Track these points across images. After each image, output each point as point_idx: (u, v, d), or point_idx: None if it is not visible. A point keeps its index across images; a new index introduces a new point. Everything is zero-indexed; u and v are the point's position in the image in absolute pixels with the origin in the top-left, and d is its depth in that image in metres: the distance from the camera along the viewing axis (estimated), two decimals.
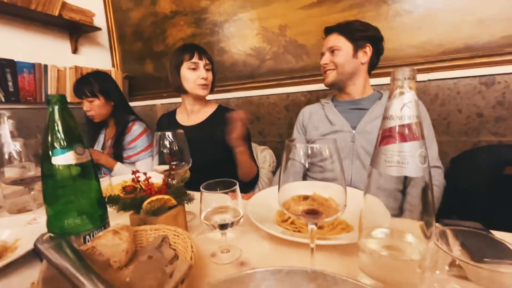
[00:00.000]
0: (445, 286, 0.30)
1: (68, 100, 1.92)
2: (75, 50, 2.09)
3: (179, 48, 1.20)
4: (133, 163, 1.43)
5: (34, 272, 0.49)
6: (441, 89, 1.34)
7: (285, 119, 1.75)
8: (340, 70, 1.05)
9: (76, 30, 2.04)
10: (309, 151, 0.39)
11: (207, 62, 1.17)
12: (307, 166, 0.39)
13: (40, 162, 0.77)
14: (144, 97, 2.30)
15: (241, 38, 1.83)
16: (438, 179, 0.95)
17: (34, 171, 0.72)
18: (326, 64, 1.07)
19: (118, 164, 1.37)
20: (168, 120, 1.34)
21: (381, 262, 0.37)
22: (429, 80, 1.35)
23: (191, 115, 1.28)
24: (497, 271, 0.24)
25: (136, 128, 1.45)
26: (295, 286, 0.32)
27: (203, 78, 1.14)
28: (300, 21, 1.64)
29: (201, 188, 0.50)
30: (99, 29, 2.12)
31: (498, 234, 0.52)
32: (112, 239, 0.43)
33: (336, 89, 1.15)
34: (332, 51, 1.05)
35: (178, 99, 2.09)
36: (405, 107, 0.33)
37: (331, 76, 1.07)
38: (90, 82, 1.40)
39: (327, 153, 0.39)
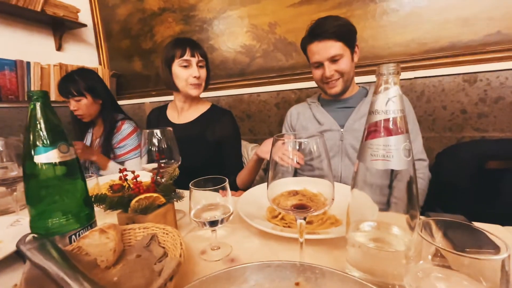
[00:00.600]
0: (428, 275, 0.31)
1: (53, 98, 1.87)
2: (59, 47, 2.03)
3: (170, 42, 1.13)
4: (121, 162, 1.40)
5: (17, 275, 0.47)
6: (426, 86, 1.38)
7: (276, 117, 1.76)
8: (346, 77, 1.00)
9: (60, 27, 1.97)
10: (297, 148, 0.40)
11: (200, 58, 1.10)
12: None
13: (22, 162, 0.75)
14: (132, 95, 2.26)
15: (230, 35, 1.82)
16: (423, 172, 0.97)
17: (16, 171, 0.69)
18: (332, 75, 0.99)
19: (112, 162, 1.34)
20: (158, 116, 1.29)
21: (368, 254, 0.38)
22: (415, 77, 1.39)
23: (182, 113, 1.23)
24: (477, 258, 0.25)
25: (126, 127, 1.42)
26: (284, 279, 0.32)
27: (195, 77, 1.08)
28: (289, 19, 1.64)
29: (190, 186, 0.49)
30: (85, 25, 2.07)
31: (480, 226, 0.54)
32: (99, 238, 0.42)
33: (337, 97, 1.08)
34: (333, 60, 0.98)
35: (168, 97, 2.07)
36: (390, 102, 0.33)
37: (339, 85, 1.01)
38: (76, 80, 1.35)
39: (315, 149, 0.39)
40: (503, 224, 0.54)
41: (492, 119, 1.28)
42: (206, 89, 1.20)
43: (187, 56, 1.07)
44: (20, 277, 0.35)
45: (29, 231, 0.57)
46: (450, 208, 1.01)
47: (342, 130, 1.04)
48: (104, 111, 1.43)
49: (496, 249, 0.29)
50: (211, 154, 1.18)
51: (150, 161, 0.67)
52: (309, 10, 1.58)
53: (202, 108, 1.24)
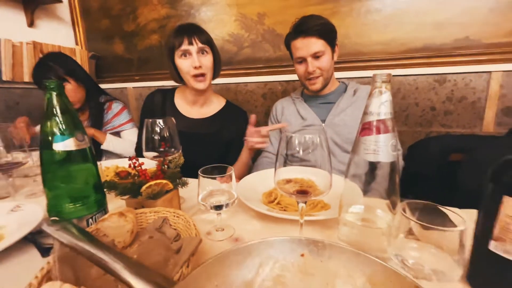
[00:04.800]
0: (406, 245, 0.39)
1: (26, 79, 1.75)
2: (31, 23, 1.88)
3: (171, 31, 1.05)
4: (116, 133, 1.44)
5: (26, 257, 0.49)
6: (402, 84, 1.50)
7: (262, 107, 1.80)
8: (326, 75, 1.06)
9: (32, 0, 1.82)
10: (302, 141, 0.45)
11: (201, 45, 1.00)
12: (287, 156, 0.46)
13: (10, 148, 0.73)
14: (113, 79, 2.17)
15: (218, 23, 1.81)
16: None
17: (10, 157, 0.69)
18: (314, 71, 1.04)
19: (108, 134, 1.37)
20: (163, 102, 1.18)
21: (357, 231, 0.46)
22: (393, 75, 1.50)
23: (195, 106, 1.17)
24: (444, 230, 0.33)
25: (116, 106, 1.46)
26: (291, 252, 0.38)
27: (195, 67, 1.00)
28: (278, 10, 1.67)
29: (199, 173, 0.54)
30: (60, 1, 1.92)
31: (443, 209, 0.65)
32: (118, 221, 0.46)
33: (318, 92, 1.14)
34: (315, 56, 1.03)
35: (153, 83, 2.03)
36: (382, 105, 0.40)
37: (320, 82, 1.07)
38: (51, 67, 1.25)
39: (318, 142, 0.44)
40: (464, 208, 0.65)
41: (456, 117, 1.43)
42: (216, 77, 1.13)
43: (184, 46, 0.99)
44: (52, 256, 0.38)
45: (31, 216, 0.59)
46: (419, 195, 1.14)
47: (323, 124, 1.11)
48: (90, 96, 1.39)
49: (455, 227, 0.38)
50: (223, 152, 1.15)
51: (150, 149, 0.70)
52: (298, 3, 1.62)
53: (217, 104, 1.19)
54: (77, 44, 2.18)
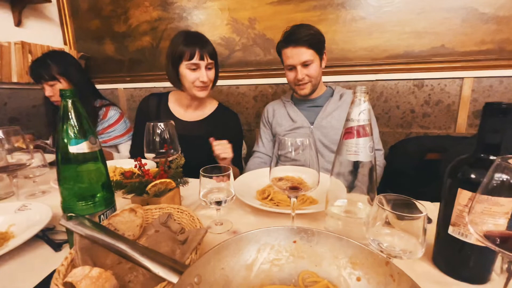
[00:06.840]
0: (380, 231, 0.46)
1: (14, 79, 1.74)
2: (18, 23, 1.86)
3: (178, 37, 1.04)
4: (113, 146, 1.41)
5: (36, 255, 0.53)
6: (385, 88, 1.60)
7: (253, 109, 1.86)
8: (314, 81, 1.13)
9: (20, 0, 1.80)
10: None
11: (210, 61, 1.03)
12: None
13: (11, 151, 0.76)
14: (103, 80, 2.16)
15: (210, 26, 1.85)
16: (379, 160, 1.17)
17: (14, 159, 0.71)
18: (303, 78, 1.11)
19: (115, 153, 1.37)
20: (157, 105, 1.22)
21: (341, 221, 0.53)
22: (376, 80, 1.59)
23: (189, 110, 1.21)
24: (409, 217, 0.40)
25: (113, 114, 1.40)
26: (285, 239, 0.45)
27: (202, 81, 1.04)
28: (268, 16, 1.73)
29: (200, 172, 0.59)
30: (48, 0, 1.91)
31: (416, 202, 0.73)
32: (128, 216, 0.50)
33: (306, 97, 1.20)
34: (304, 64, 1.10)
35: (144, 85, 2.05)
36: (361, 113, 0.47)
37: (308, 88, 1.14)
38: (48, 64, 1.27)
39: (306, 144, 0.51)
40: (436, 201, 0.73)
41: (433, 119, 1.55)
42: (214, 86, 1.18)
43: (196, 60, 1.00)
44: (74, 247, 0.42)
45: (39, 215, 0.63)
46: (398, 190, 1.24)
47: (312, 127, 1.18)
48: (84, 99, 1.39)
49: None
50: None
51: (151, 150, 0.74)
52: (287, 9, 1.69)
53: (210, 107, 1.23)
54: (65, 44, 2.17)
